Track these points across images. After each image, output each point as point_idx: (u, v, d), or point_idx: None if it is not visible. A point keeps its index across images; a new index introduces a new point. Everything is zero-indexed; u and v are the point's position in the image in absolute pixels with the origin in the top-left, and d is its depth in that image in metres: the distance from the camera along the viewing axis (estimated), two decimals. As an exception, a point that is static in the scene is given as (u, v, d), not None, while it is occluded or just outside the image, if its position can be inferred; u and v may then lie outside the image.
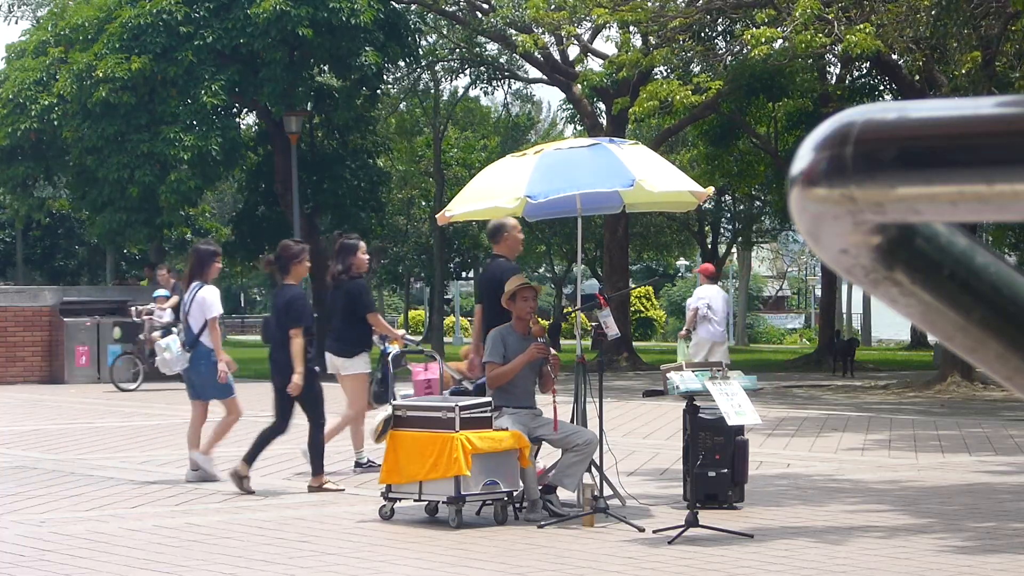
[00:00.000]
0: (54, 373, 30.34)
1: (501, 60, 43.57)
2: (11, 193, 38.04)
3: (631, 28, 30.88)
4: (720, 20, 31.86)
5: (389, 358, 14.06)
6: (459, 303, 74.88)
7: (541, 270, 64.32)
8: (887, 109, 1.34)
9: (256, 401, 25.25)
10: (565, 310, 52.65)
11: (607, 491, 11.97)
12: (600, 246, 44.00)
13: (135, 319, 28.57)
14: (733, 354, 46.76)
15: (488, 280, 12.93)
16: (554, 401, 11.88)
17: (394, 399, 12.42)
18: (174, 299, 28.10)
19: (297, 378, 13.15)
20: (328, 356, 14.42)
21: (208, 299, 13.92)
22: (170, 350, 14.18)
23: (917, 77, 27.60)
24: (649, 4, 28.71)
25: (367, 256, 14.60)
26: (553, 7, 30.49)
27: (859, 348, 39.81)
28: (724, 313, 22.74)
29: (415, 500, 11.49)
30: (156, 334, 27.88)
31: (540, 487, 11.66)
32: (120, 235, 33.77)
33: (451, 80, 47.39)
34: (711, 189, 13.93)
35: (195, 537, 10.77)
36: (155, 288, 33.30)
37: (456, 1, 37.86)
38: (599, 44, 75.64)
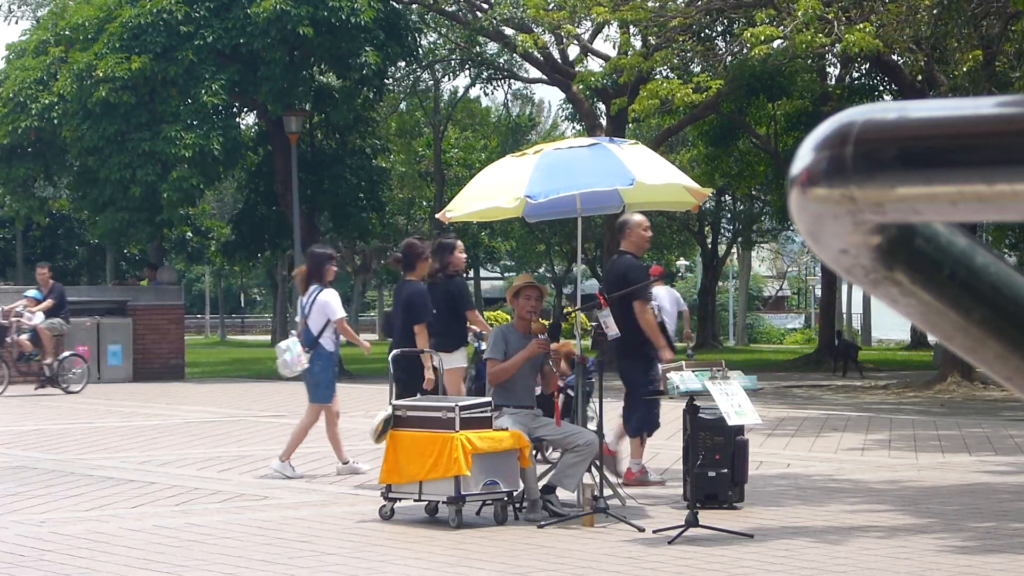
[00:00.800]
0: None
1: (501, 60, 43.57)
2: (12, 194, 38.06)
3: (631, 28, 30.89)
4: (720, 20, 31.86)
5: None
6: (459, 303, 74.81)
7: (541, 270, 64.31)
8: (887, 109, 1.34)
9: (256, 400, 25.26)
10: (565, 310, 52.64)
11: (607, 491, 11.97)
12: (600, 246, 44.01)
13: (1, 321, 27.10)
14: (733, 354, 46.87)
15: (612, 276, 13.28)
16: (556, 398, 11.89)
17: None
18: (48, 303, 27.55)
19: (428, 372, 13.41)
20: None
21: (330, 302, 14.18)
22: (291, 351, 14.31)
23: (920, 78, 27.59)
24: (649, 4, 28.71)
25: (464, 255, 14.78)
26: (552, 6, 30.48)
27: (860, 348, 39.69)
28: (674, 312, 23.04)
29: (415, 500, 11.49)
30: (24, 336, 27.22)
31: (540, 487, 11.66)
32: (123, 235, 33.76)
33: (451, 80, 47.44)
34: (709, 189, 13.97)
35: (195, 537, 10.77)
36: (155, 287, 33.36)
37: (456, 1, 37.84)
38: (599, 44, 75.62)
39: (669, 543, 10.37)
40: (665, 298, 23.05)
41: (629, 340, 12.81)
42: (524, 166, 12.20)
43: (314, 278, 14.37)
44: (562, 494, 11.78)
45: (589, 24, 34.93)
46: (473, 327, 14.61)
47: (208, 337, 78.46)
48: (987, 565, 9.66)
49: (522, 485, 11.57)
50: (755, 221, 55.01)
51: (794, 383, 31.39)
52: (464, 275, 14.88)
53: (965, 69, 24.77)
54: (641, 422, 13.31)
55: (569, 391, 14.57)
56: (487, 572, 9.53)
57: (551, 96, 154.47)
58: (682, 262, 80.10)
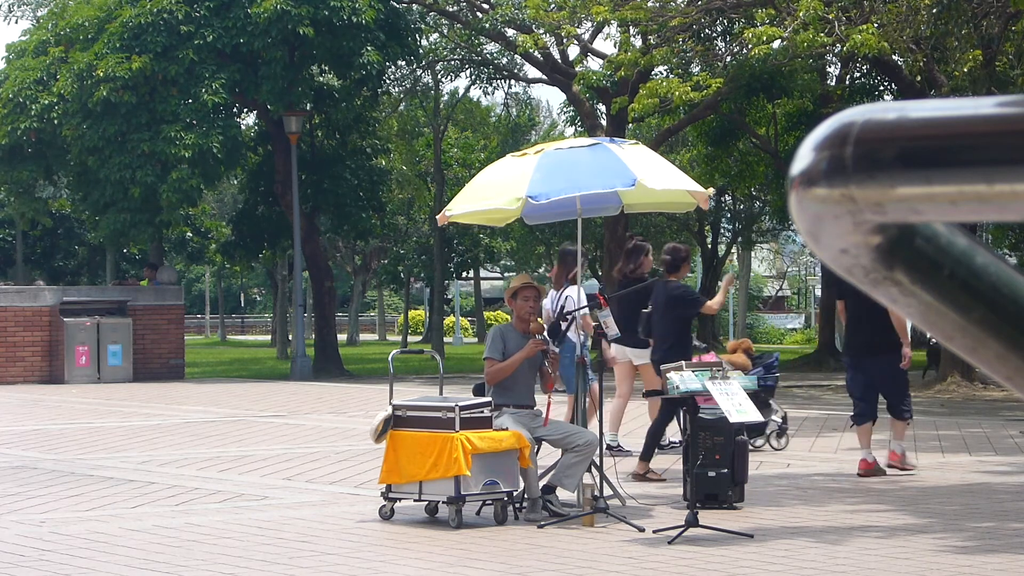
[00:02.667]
0: (54, 373, 30.34)
1: (502, 60, 43.57)
2: (15, 196, 38.08)
3: (631, 28, 30.88)
4: (720, 20, 31.85)
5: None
6: (459, 303, 74.83)
7: (541, 270, 64.28)
8: (887, 109, 1.34)
9: (256, 400, 25.26)
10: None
11: (607, 491, 11.98)
12: (600, 246, 44.00)
13: None
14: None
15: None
16: (548, 398, 11.90)
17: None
18: None
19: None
20: (618, 347, 15.37)
21: (572, 297, 14.70)
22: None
23: (919, 78, 27.57)
24: (649, 3, 28.70)
25: (652, 258, 15.93)
26: (552, 7, 30.48)
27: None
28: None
29: (415, 500, 11.49)
30: None
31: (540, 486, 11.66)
32: (124, 236, 33.74)
33: (451, 80, 47.42)
34: (711, 190, 14.01)
35: (195, 537, 10.77)
36: (155, 287, 33.36)
37: (456, 1, 37.85)
38: (599, 44, 75.63)
39: (669, 543, 10.37)
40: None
41: (874, 338, 13.96)
42: (525, 166, 12.19)
43: (565, 275, 14.97)
44: (562, 494, 11.78)
45: (589, 24, 34.92)
46: None
47: (208, 337, 78.43)
48: (987, 565, 9.66)
49: (522, 485, 11.57)
50: (755, 221, 54.98)
51: (794, 383, 31.37)
52: (647, 277, 15.69)
53: (966, 69, 24.75)
54: (909, 407, 14.42)
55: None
56: (487, 572, 9.53)
57: (551, 96, 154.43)
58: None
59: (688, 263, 14.79)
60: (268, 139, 35.35)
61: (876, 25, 24.47)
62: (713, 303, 14.49)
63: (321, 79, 36.03)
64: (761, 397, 16.02)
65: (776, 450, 16.37)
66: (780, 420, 16.67)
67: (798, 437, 18.27)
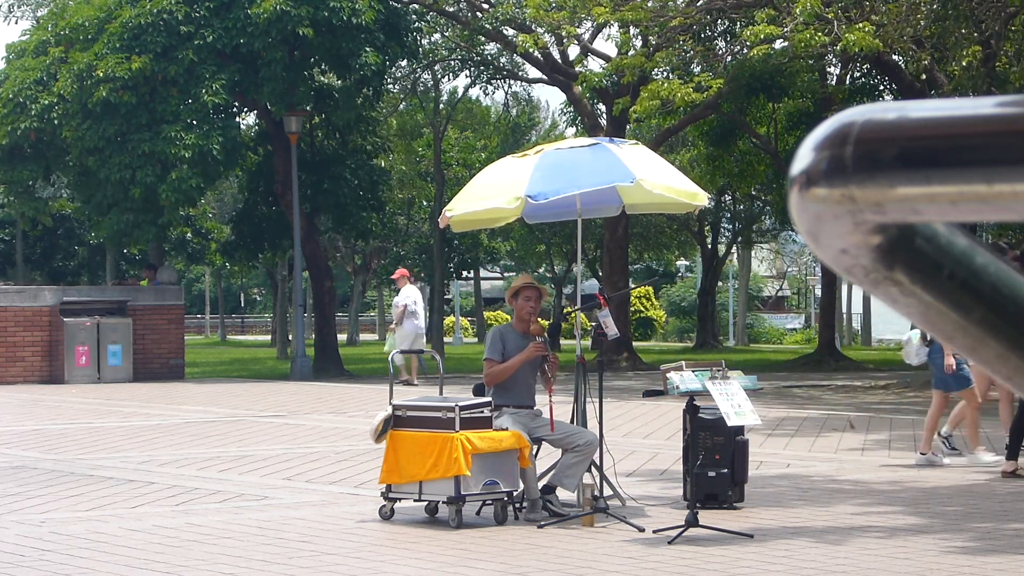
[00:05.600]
0: (54, 373, 30.34)
1: (501, 60, 43.56)
2: (15, 196, 38.07)
3: (631, 29, 30.90)
4: (720, 20, 31.86)
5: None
6: (459, 303, 74.80)
7: (541, 270, 64.29)
8: (887, 109, 1.34)
9: (256, 400, 25.25)
10: (565, 310, 52.65)
11: (607, 491, 11.98)
12: (600, 246, 44.01)
13: None
14: (734, 354, 46.94)
15: None
16: (551, 401, 11.90)
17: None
18: None
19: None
20: None
21: None
22: (910, 342, 15.21)
23: (923, 76, 27.55)
24: (649, 4, 28.71)
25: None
26: (553, 7, 30.49)
27: (860, 348, 39.64)
28: (424, 309, 28.35)
29: (415, 500, 11.49)
30: None
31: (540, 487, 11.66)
32: (127, 236, 33.73)
33: (451, 80, 47.43)
34: (705, 196, 13.98)
35: (195, 537, 10.77)
36: (155, 287, 33.36)
37: (456, 1, 37.85)
38: (599, 44, 75.63)
39: (669, 543, 10.37)
40: (418, 297, 27.95)
41: None
42: (525, 166, 12.19)
43: None
44: (562, 494, 11.78)
45: (589, 24, 34.92)
46: None
47: (208, 337, 78.41)
48: (987, 565, 9.67)
49: (522, 485, 11.57)
50: (755, 221, 55.00)
51: (794, 383, 31.38)
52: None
53: (964, 63, 24.73)
54: None
55: None
56: (487, 572, 9.53)
57: (551, 96, 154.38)
58: (682, 262, 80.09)
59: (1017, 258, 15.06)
60: (268, 139, 35.36)
61: (875, 25, 24.46)
62: None
63: (322, 79, 36.02)
64: None
65: None
66: None
67: (798, 437, 18.27)
